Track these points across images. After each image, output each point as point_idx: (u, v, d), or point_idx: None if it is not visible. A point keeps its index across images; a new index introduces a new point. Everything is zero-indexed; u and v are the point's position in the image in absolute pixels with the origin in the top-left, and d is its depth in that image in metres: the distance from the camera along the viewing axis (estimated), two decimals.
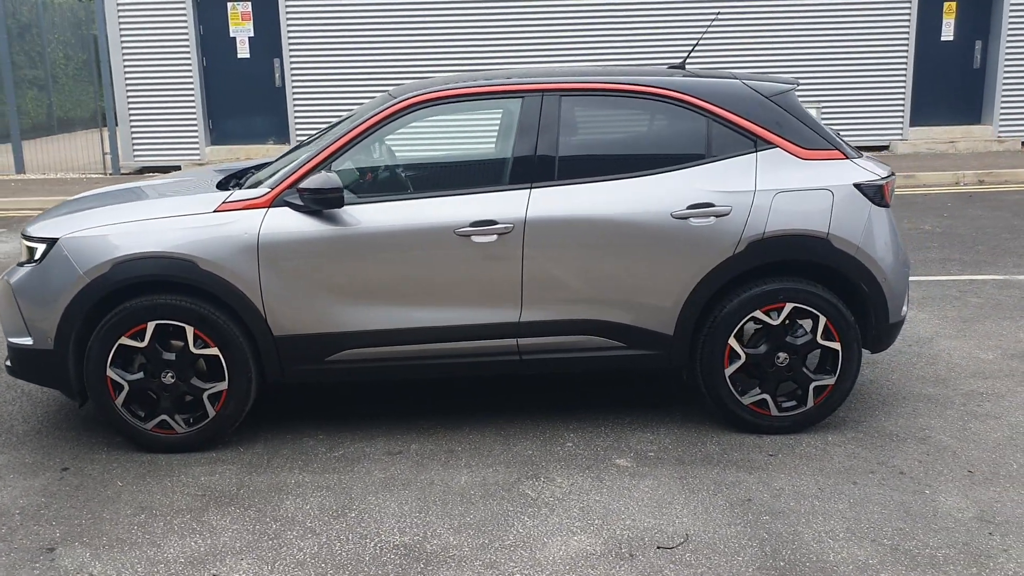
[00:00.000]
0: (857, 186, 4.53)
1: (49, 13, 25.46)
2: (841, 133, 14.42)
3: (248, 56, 14.28)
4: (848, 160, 4.60)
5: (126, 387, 4.46)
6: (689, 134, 4.62)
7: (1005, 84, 14.71)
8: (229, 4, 14.12)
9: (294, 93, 14.23)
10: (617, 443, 4.60)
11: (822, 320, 4.53)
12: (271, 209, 4.44)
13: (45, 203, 11.13)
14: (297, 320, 4.44)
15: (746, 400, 4.60)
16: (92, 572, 3.54)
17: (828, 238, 4.47)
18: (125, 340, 4.42)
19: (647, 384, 5.39)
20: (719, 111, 4.57)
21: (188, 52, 14.10)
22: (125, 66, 14.11)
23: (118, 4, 13.93)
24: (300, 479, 4.28)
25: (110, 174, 14.20)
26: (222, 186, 4.93)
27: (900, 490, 4.07)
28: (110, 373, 4.44)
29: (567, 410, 5.00)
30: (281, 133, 14.22)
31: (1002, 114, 14.80)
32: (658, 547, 3.64)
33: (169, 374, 4.47)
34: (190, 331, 4.42)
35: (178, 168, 13.77)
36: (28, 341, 4.51)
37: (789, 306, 4.51)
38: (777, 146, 4.56)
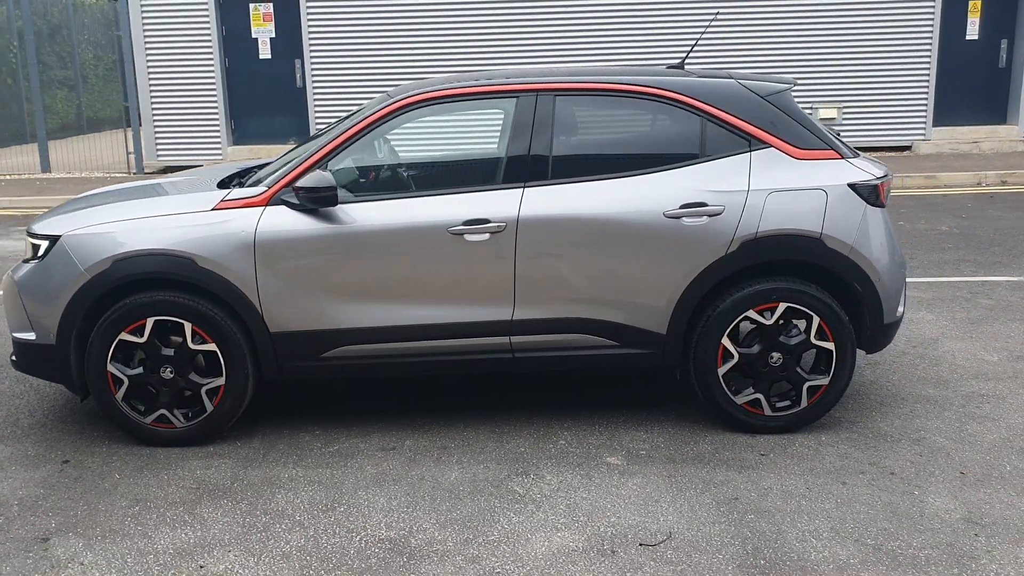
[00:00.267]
0: (851, 186, 4.52)
1: (79, 14, 25.83)
2: (862, 133, 14.37)
3: (270, 57, 14.42)
4: (843, 160, 4.58)
5: (126, 382, 4.55)
6: (683, 134, 4.63)
7: None
8: (251, 5, 14.27)
9: (314, 93, 14.35)
10: (610, 441, 4.62)
11: (816, 320, 4.52)
12: (268, 207, 4.51)
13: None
14: (293, 317, 4.50)
15: (739, 399, 4.60)
16: (83, 562, 3.61)
17: (821, 238, 4.47)
18: (125, 336, 4.50)
19: (643, 383, 5.40)
20: (713, 111, 4.57)
21: (211, 53, 14.27)
22: (149, 67, 14.30)
23: (142, 5, 14.11)
24: (293, 473, 4.34)
25: (134, 173, 14.39)
26: (224, 185, 4.99)
27: (889, 490, 4.06)
28: (110, 368, 4.53)
29: (562, 408, 5.02)
30: (302, 133, 14.34)
31: None
32: (640, 544, 3.66)
33: (168, 369, 4.55)
34: (188, 327, 4.49)
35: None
36: (31, 336, 4.61)
37: (782, 306, 4.51)
38: (771, 146, 4.56)
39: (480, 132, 5.65)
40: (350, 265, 4.47)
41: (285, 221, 4.47)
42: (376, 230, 4.46)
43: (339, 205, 4.49)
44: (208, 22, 14.18)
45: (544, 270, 4.48)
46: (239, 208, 4.51)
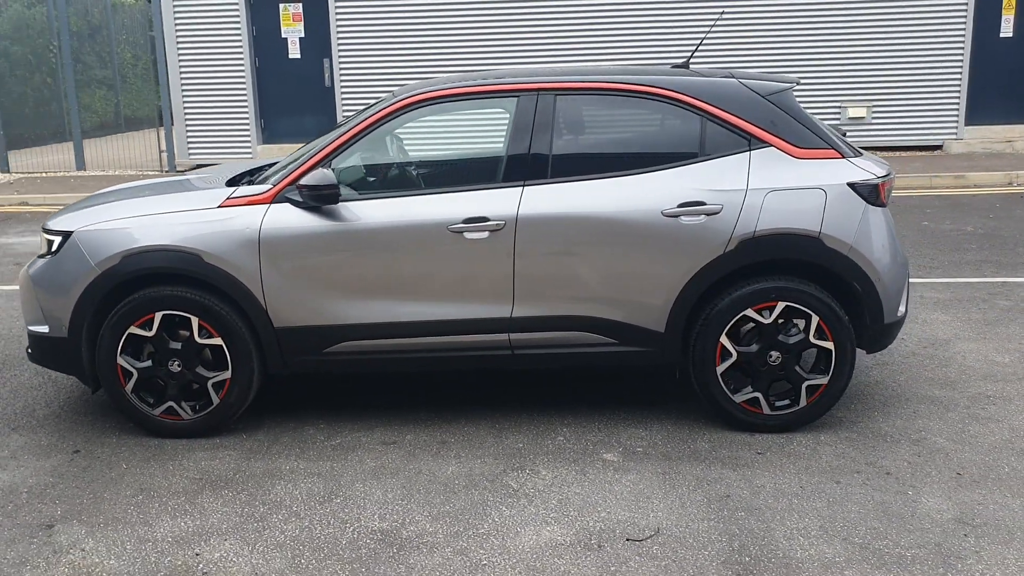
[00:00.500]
0: (851, 185, 4.51)
1: (119, 15, 26.28)
2: (892, 133, 14.23)
3: (299, 56, 14.58)
4: (844, 159, 4.58)
5: (135, 374, 4.66)
6: (683, 133, 4.65)
7: None
8: (281, 5, 14.44)
9: (343, 93, 14.49)
10: (608, 438, 4.65)
11: (815, 319, 4.52)
12: (272, 205, 4.60)
13: None
14: (296, 312, 4.59)
15: (738, 398, 4.61)
16: (84, 548, 3.73)
17: (820, 237, 4.47)
18: (134, 329, 4.62)
19: (645, 381, 5.43)
20: (713, 110, 4.59)
21: (241, 53, 14.46)
22: (181, 66, 14.53)
23: (175, 6, 14.34)
24: (294, 466, 4.43)
25: (166, 171, 14.63)
26: (234, 182, 5.09)
27: (882, 490, 4.05)
28: (120, 361, 4.65)
29: (563, 405, 5.07)
30: None
31: None
32: (627, 539, 3.70)
33: (176, 363, 4.66)
34: (195, 321, 4.60)
35: None
36: (45, 329, 4.74)
37: (781, 305, 4.51)
38: (771, 145, 4.57)
39: (484, 131, 5.69)
40: (352, 262, 4.55)
41: (289, 218, 4.56)
42: (378, 227, 4.54)
43: (342, 203, 4.57)
44: (239, 22, 14.38)
45: (543, 268, 4.53)
46: (244, 205, 4.61)
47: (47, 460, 4.56)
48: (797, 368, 4.60)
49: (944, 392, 5.17)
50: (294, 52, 14.58)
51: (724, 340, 4.55)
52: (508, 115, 4.74)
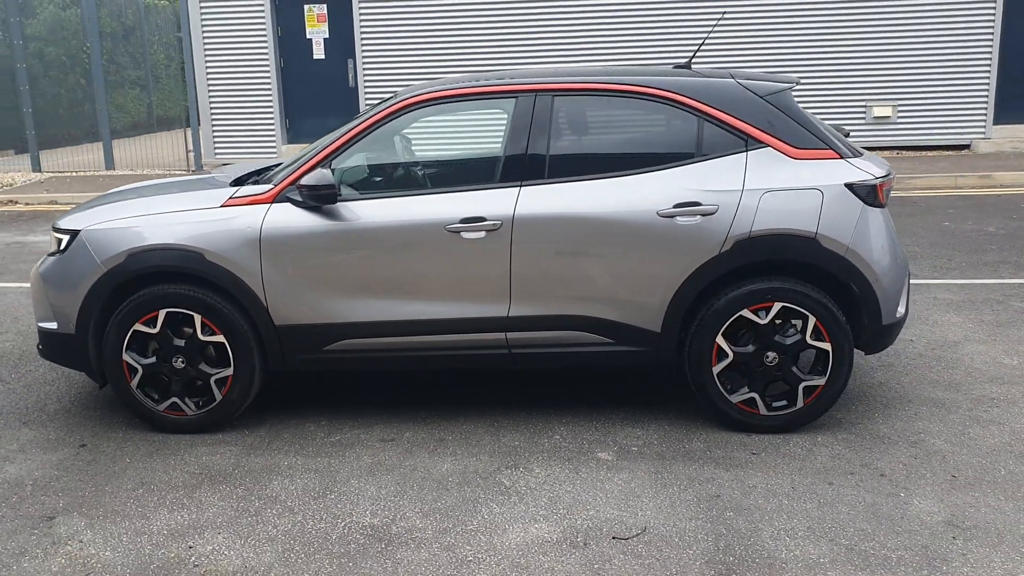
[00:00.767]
0: (848, 186, 4.50)
1: (153, 16, 26.64)
2: (918, 132, 14.08)
3: (323, 57, 14.72)
4: (841, 159, 4.57)
5: (140, 370, 4.76)
6: (680, 133, 4.66)
7: None
8: (306, 7, 14.58)
9: (366, 93, 14.60)
10: (604, 437, 4.68)
11: (811, 320, 4.51)
12: (274, 205, 4.67)
13: None
14: (296, 310, 4.66)
15: (735, 398, 4.62)
16: (82, 540, 3.81)
17: (816, 238, 4.46)
18: (139, 326, 4.71)
19: (645, 381, 5.44)
20: (710, 110, 4.60)
21: (267, 53, 14.63)
22: (207, 67, 14.72)
23: (202, 7, 14.54)
24: (293, 461, 4.50)
25: (192, 171, 14.82)
26: (240, 183, 5.17)
27: (875, 492, 4.04)
28: (126, 357, 4.74)
29: (562, 404, 5.10)
30: None
31: None
32: (613, 537, 3.72)
33: (179, 359, 4.74)
34: (198, 319, 4.68)
35: None
36: (54, 325, 4.85)
37: (777, 305, 4.51)
38: (768, 145, 4.57)
39: (485, 132, 5.73)
40: (351, 261, 4.61)
41: (289, 218, 4.63)
42: (376, 227, 4.59)
43: (342, 203, 4.63)
44: (264, 23, 14.54)
45: (539, 268, 4.56)
46: (246, 205, 4.68)
47: (54, 454, 4.66)
48: (794, 369, 4.59)
49: (947, 394, 5.13)
50: (318, 53, 14.72)
51: (720, 340, 4.56)
52: (506, 116, 4.77)
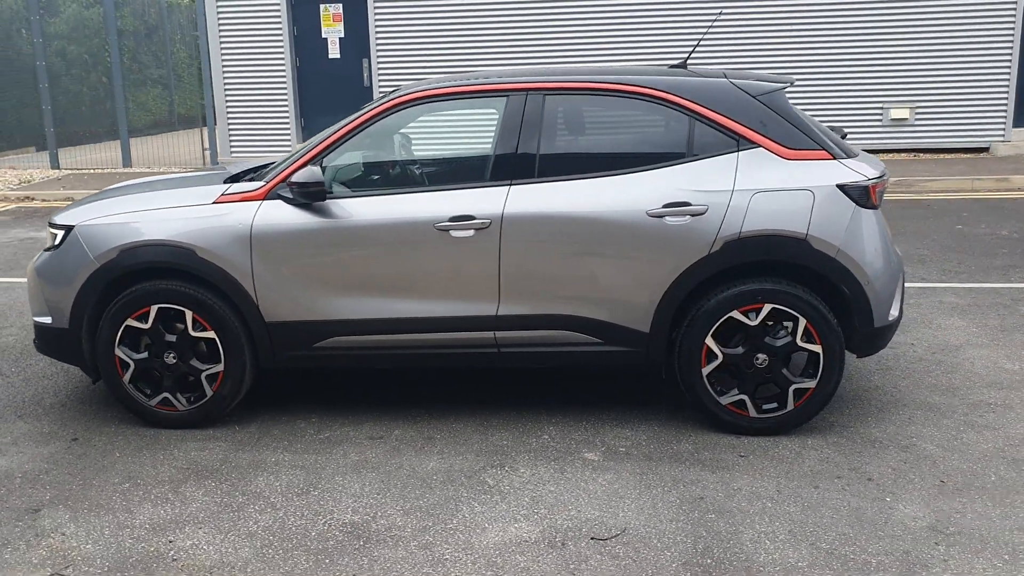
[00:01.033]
0: (840, 187, 4.46)
1: (175, 15, 26.86)
2: (936, 134, 13.93)
3: (339, 56, 14.77)
4: (834, 160, 4.52)
5: (132, 365, 4.79)
6: (671, 133, 4.64)
7: None
8: (321, 6, 14.64)
9: (381, 92, 14.63)
10: (592, 437, 4.66)
11: (802, 322, 4.48)
12: (265, 202, 4.69)
13: None
14: (286, 307, 4.67)
15: (724, 400, 4.58)
16: (65, 533, 3.84)
17: (807, 239, 4.42)
18: (131, 322, 4.74)
19: (639, 381, 5.41)
20: (702, 110, 4.57)
21: (283, 52, 14.69)
22: (224, 66, 14.81)
23: (218, 6, 14.62)
24: (280, 458, 4.51)
25: (210, 168, 14.92)
26: (235, 180, 5.19)
27: (860, 496, 4.00)
28: (118, 352, 4.78)
29: (553, 404, 5.08)
30: None
31: None
32: (592, 538, 3.70)
33: (171, 355, 4.77)
34: (189, 315, 4.71)
35: None
36: (48, 320, 4.89)
37: (768, 307, 4.47)
38: (760, 145, 4.53)
39: (478, 131, 5.73)
40: (340, 258, 4.62)
41: (280, 215, 4.65)
42: (366, 225, 4.60)
43: (333, 200, 4.64)
44: (280, 22, 14.61)
45: (528, 267, 4.55)
46: (238, 202, 4.70)
47: (46, 447, 4.70)
48: (784, 371, 4.55)
49: (944, 399, 5.07)
50: (334, 52, 14.77)
51: (710, 342, 4.53)
52: (498, 115, 4.76)
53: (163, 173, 14.41)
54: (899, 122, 14.15)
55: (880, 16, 13.93)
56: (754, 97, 4.60)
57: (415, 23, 14.44)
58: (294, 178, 4.56)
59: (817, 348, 4.50)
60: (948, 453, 4.41)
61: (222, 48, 14.76)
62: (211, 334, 4.72)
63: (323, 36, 14.73)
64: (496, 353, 4.68)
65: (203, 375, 4.78)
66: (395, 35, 14.50)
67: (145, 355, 4.79)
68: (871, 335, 4.57)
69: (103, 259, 4.71)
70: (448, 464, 4.40)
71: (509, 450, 4.54)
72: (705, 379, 4.57)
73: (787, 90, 4.74)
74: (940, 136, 14.18)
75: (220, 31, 14.71)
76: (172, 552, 3.67)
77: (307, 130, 15.09)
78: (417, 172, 5.25)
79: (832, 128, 5.08)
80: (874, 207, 4.53)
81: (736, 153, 4.53)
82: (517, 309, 4.60)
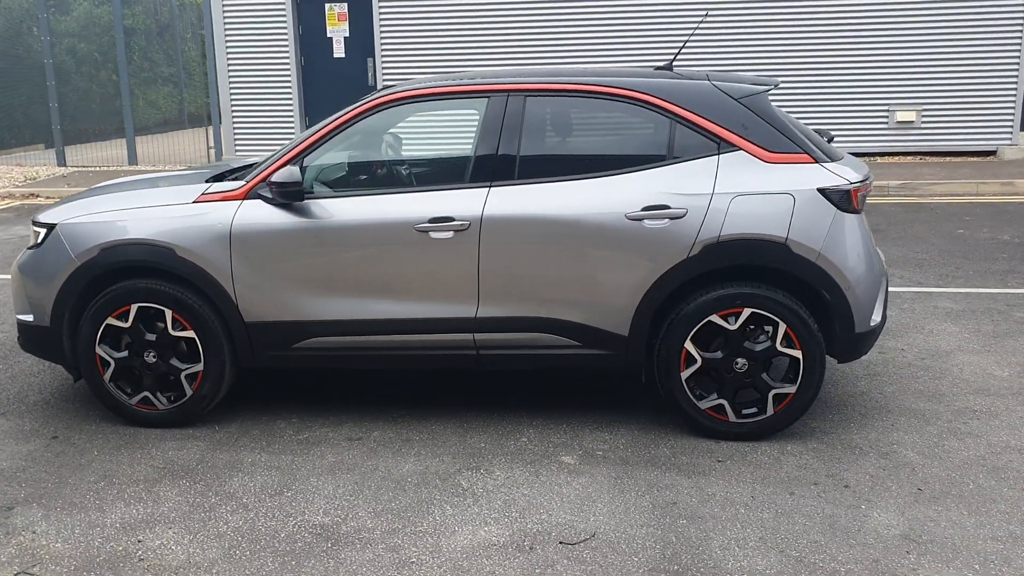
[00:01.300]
0: (821, 191, 4.42)
1: (187, 13, 26.96)
2: (943, 137, 13.83)
3: (343, 56, 14.78)
4: (816, 164, 4.48)
5: (113, 364, 4.79)
6: (651, 135, 4.61)
7: None
8: (327, 5, 14.66)
9: None
10: (571, 441, 4.64)
11: (782, 327, 4.44)
12: (245, 201, 4.68)
13: None
14: (265, 307, 4.67)
15: (703, 404, 4.55)
16: (36, 531, 3.85)
17: (787, 243, 4.38)
18: (112, 320, 4.75)
19: (623, 383, 5.38)
20: (682, 112, 4.54)
21: (288, 51, 14.72)
22: (229, 64, 14.85)
23: (224, 5, 14.66)
24: (256, 458, 4.51)
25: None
26: (220, 179, 5.19)
27: (835, 503, 3.96)
28: (99, 351, 4.78)
29: (534, 406, 5.06)
30: None
31: None
32: (560, 542, 3.68)
33: (151, 354, 4.77)
34: (168, 314, 4.71)
35: None
36: (30, 318, 4.90)
37: (747, 311, 4.44)
38: (741, 149, 4.50)
39: (459, 132, 5.72)
40: (319, 259, 4.61)
41: (260, 214, 4.64)
42: (345, 225, 4.59)
43: (314, 200, 4.64)
44: (286, 21, 14.64)
45: (507, 269, 4.53)
46: (218, 201, 4.70)
47: (26, 445, 4.71)
48: (764, 376, 4.51)
49: (929, 405, 5.03)
50: (339, 51, 14.79)
51: (689, 346, 4.50)
52: (479, 116, 4.74)
53: (167, 171, 14.45)
54: (905, 125, 14.06)
55: (887, 18, 13.84)
56: (736, 100, 4.57)
57: (419, 22, 14.45)
58: (273, 178, 4.56)
59: (797, 353, 4.46)
60: (928, 460, 4.36)
61: (227, 47, 14.80)
62: (191, 333, 4.72)
63: (328, 35, 14.76)
64: (475, 355, 4.66)
65: (183, 374, 4.78)
66: (400, 34, 14.51)
67: (125, 354, 4.80)
68: (852, 340, 4.53)
69: (84, 257, 4.72)
70: (424, 466, 4.39)
71: (486, 453, 4.52)
72: (684, 383, 4.54)
73: (771, 92, 4.71)
74: (947, 139, 14.08)
75: (226, 30, 14.75)
76: (140, 552, 3.67)
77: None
78: (397, 173, 5.24)
79: (819, 131, 5.06)
80: (856, 211, 4.48)
81: (717, 156, 4.50)
82: (496, 311, 4.58)
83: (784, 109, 13.66)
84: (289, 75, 14.79)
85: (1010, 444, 4.53)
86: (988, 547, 3.60)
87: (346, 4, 14.62)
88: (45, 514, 3.99)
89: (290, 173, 4.52)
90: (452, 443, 4.64)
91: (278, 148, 5.25)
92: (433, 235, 4.53)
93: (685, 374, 4.53)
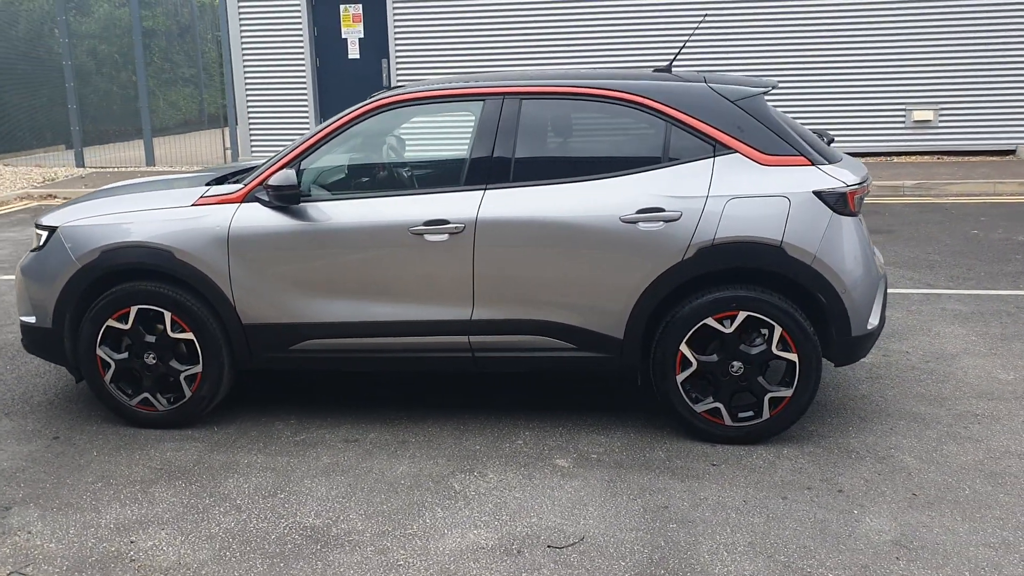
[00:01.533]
0: (817, 193, 4.39)
1: (207, 15, 27.13)
2: (960, 137, 13.70)
3: (358, 57, 14.84)
4: (813, 166, 4.46)
5: (113, 365, 4.84)
6: (647, 138, 4.60)
7: None
8: (341, 7, 14.72)
9: None
10: (566, 444, 4.63)
11: (777, 330, 4.42)
12: (243, 204, 4.72)
13: None
14: (262, 309, 4.70)
15: (699, 408, 4.54)
16: (31, 531, 3.89)
17: (782, 246, 4.36)
18: (112, 322, 4.79)
19: (620, 385, 5.37)
20: (678, 115, 4.52)
21: (303, 53, 14.79)
22: (245, 66, 14.94)
23: (240, 7, 14.75)
24: (252, 460, 4.53)
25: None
26: (221, 182, 5.22)
27: (828, 508, 3.94)
28: (99, 352, 4.83)
29: (531, 408, 5.06)
30: None
31: None
32: (548, 546, 3.68)
33: (151, 355, 4.81)
34: (168, 316, 4.75)
35: None
36: (33, 320, 4.96)
37: (742, 314, 4.42)
38: (737, 151, 4.48)
39: (457, 135, 5.73)
40: (315, 261, 4.64)
41: (257, 217, 4.67)
42: (341, 228, 4.61)
43: (311, 203, 4.67)
44: (301, 23, 14.71)
45: (502, 271, 4.53)
46: (216, 204, 4.74)
47: (27, 445, 4.76)
48: (760, 380, 4.49)
49: (930, 409, 4.98)
50: (353, 52, 14.85)
51: (684, 349, 4.48)
52: (475, 119, 4.75)
53: (178, 173, 14.56)
54: (922, 124, 13.94)
55: (903, 16, 13.73)
56: (732, 102, 4.55)
57: (434, 24, 14.48)
58: (269, 181, 4.59)
59: (793, 357, 4.44)
60: (925, 465, 4.33)
61: (243, 48, 14.89)
62: (189, 335, 4.76)
63: (343, 37, 14.82)
64: (470, 357, 4.67)
65: (182, 376, 4.82)
66: (414, 35, 14.54)
67: (126, 355, 4.84)
68: (849, 344, 4.50)
69: (84, 260, 4.77)
70: (418, 468, 4.40)
71: (481, 455, 4.53)
72: (680, 386, 4.52)
73: (768, 94, 4.69)
74: (964, 138, 13.95)
75: (241, 32, 14.85)
76: (132, 552, 3.71)
77: None
78: (393, 175, 5.26)
79: (819, 133, 5.03)
80: (852, 214, 4.45)
81: (712, 159, 4.48)
82: (491, 314, 4.58)
83: (799, 109, 13.63)
84: (304, 76, 14.87)
85: (1010, 449, 4.48)
86: (980, 554, 3.57)
87: (361, 5, 14.68)
88: (41, 514, 4.03)
89: (286, 176, 4.54)
90: (447, 445, 4.65)
91: (279, 150, 5.28)
92: (428, 238, 4.54)
93: (681, 377, 4.52)
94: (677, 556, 3.60)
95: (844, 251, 4.41)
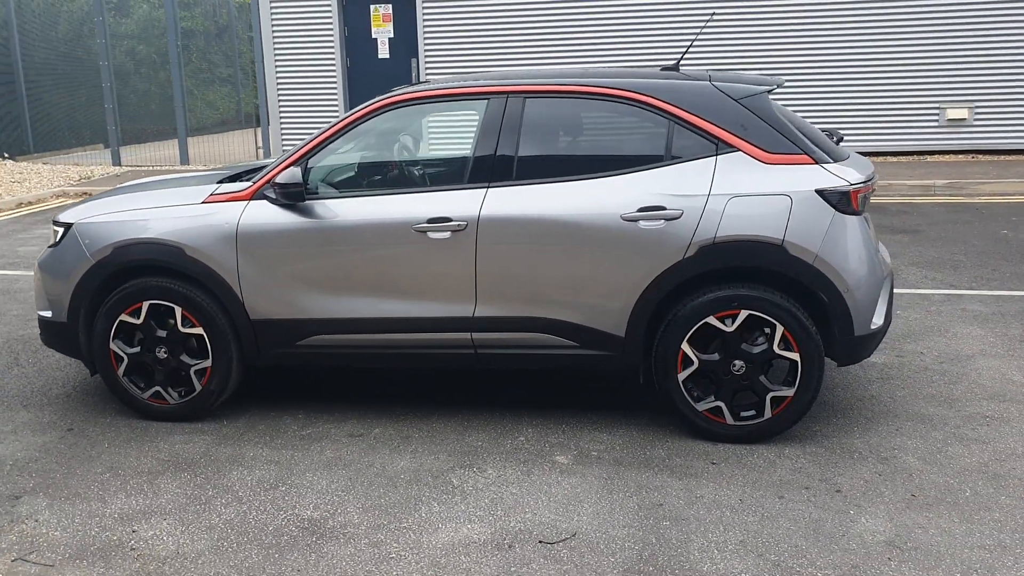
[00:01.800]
0: (819, 192, 4.37)
1: (245, 15, 27.46)
2: (993, 135, 13.48)
3: (388, 56, 14.95)
4: (816, 165, 4.43)
5: (126, 359, 4.94)
6: (649, 136, 4.61)
7: None
8: (372, 7, 14.83)
9: None
10: (567, 441, 4.65)
11: (779, 329, 4.40)
12: (251, 202, 4.80)
13: None
14: (270, 306, 4.77)
15: (701, 406, 4.54)
16: (38, 519, 3.99)
17: (783, 245, 4.34)
18: (125, 317, 4.90)
19: (624, 383, 5.37)
20: (681, 113, 4.53)
21: (333, 53, 14.93)
22: (276, 66, 15.11)
23: (271, 7, 14.93)
24: (258, 453, 4.61)
25: None
26: (234, 180, 5.31)
27: (824, 508, 3.92)
28: (113, 346, 4.94)
29: (536, 405, 5.09)
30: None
31: None
32: (540, 541, 3.71)
33: (162, 349, 4.91)
34: (178, 311, 4.84)
35: None
36: (49, 314, 5.08)
37: (744, 313, 4.41)
38: (739, 150, 4.47)
39: (462, 133, 5.78)
40: (321, 258, 4.70)
41: (265, 215, 4.75)
42: (346, 225, 4.67)
43: (317, 201, 4.73)
44: (331, 23, 14.85)
45: (504, 269, 4.57)
46: (225, 202, 4.82)
47: (42, 436, 4.88)
48: (762, 379, 4.48)
49: (939, 410, 4.93)
50: (383, 52, 14.95)
51: (686, 347, 4.48)
52: (479, 117, 4.78)
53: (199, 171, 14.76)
54: (956, 123, 13.74)
55: (937, 11, 13.53)
56: (735, 100, 4.54)
57: (462, 23, 14.54)
58: (277, 179, 4.66)
59: (795, 356, 4.42)
60: (927, 466, 4.29)
61: (275, 48, 15.07)
62: (199, 330, 4.85)
63: (373, 36, 14.93)
64: (473, 354, 4.71)
65: (192, 370, 4.91)
66: (442, 35, 14.62)
67: (138, 349, 4.94)
68: (852, 343, 4.47)
69: (98, 256, 4.88)
70: (418, 463, 4.45)
71: (482, 451, 4.57)
72: (681, 385, 4.52)
73: (773, 92, 4.67)
74: (1000, 137, 13.72)
75: (273, 32, 15.02)
76: (133, 541, 3.79)
77: None
78: (398, 173, 5.31)
79: (828, 131, 5.00)
80: (856, 212, 4.42)
81: (714, 157, 4.48)
82: (493, 311, 4.62)
83: (829, 109, 13.48)
84: (335, 76, 15.01)
85: (1016, 451, 4.43)
86: (973, 555, 3.54)
87: (391, 5, 14.78)
88: (49, 503, 4.14)
89: (292, 174, 4.61)
90: (450, 441, 4.69)
91: (287, 150, 5.35)
92: (431, 235, 4.58)
93: (682, 376, 4.52)
94: (667, 553, 3.60)
95: (847, 250, 4.38)
